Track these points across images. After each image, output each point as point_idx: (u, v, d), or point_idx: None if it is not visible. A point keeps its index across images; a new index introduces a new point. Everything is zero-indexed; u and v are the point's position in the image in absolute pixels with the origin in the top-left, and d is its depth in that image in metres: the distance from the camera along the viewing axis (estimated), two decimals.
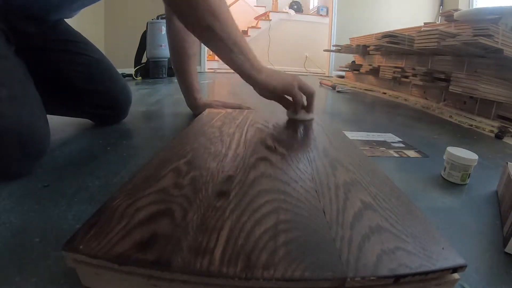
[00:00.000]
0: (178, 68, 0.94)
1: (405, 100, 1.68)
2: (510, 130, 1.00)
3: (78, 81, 0.75)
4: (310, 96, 0.68)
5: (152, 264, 0.21)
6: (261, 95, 0.67)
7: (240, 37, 0.60)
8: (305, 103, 0.69)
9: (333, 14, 3.56)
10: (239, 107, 0.91)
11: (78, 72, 0.75)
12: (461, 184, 0.55)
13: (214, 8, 0.55)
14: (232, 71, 0.63)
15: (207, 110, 0.77)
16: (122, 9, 2.69)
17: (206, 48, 3.21)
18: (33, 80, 0.56)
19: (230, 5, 4.33)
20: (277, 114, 0.74)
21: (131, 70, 2.22)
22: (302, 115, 0.70)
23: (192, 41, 0.90)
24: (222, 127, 0.60)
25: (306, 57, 4.63)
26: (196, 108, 0.97)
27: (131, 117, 0.91)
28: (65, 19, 0.79)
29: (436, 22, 2.59)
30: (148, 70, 2.26)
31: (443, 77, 1.43)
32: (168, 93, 1.60)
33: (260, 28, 4.51)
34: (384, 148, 0.75)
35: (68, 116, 0.83)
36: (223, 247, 0.23)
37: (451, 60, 1.42)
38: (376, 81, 2.25)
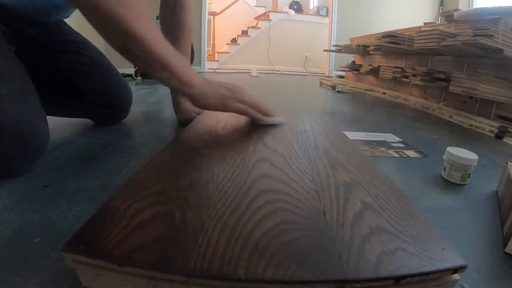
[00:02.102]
0: None
1: (405, 100, 1.68)
2: (510, 130, 1.00)
3: (79, 81, 0.75)
4: (254, 107, 0.62)
5: (152, 265, 0.21)
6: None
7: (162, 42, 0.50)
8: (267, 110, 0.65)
9: (333, 14, 3.56)
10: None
11: (79, 72, 0.75)
12: (461, 184, 0.55)
13: None
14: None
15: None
16: None
17: (206, 48, 3.20)
18: (34, 80, 0.56)
19: (230, 5, 4.32)
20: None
21: (131, 70, 2.22)
22: (268, 119, 0.64)
23: (183, 41, 0.85)
24: (222, 127, 0.60)
25: (306, 57, 4.63)
26: (178, 113, 0.91)
27: (131, 117, 0.91)
28: (65, 19, 0.79)
29: (436, 22, 2.59)
30: None
31: (443, 77, 1.43)
32: (168, 93, 1.59)
33: (260, 28, 4.51)
34: (384, 148, 0.75)
35: (69, 117, 0.83)
36: (223, 248, 0.23)
37: (451, 60, 1.42)
38: (376, 81, 2.25)
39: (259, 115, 0.63)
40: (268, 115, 0.64)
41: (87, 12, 0.43)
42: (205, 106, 0.57)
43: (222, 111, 0.59)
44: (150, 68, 0.50)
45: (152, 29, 0.48)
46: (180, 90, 0.54)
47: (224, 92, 0.58)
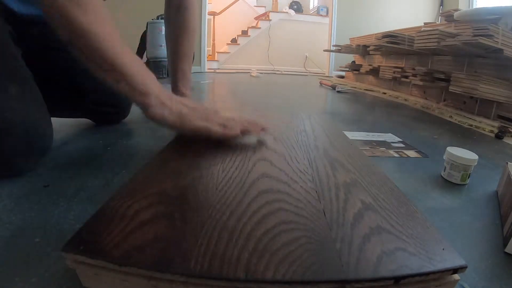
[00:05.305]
0: (168, 68, 0.93)
1: (405, 100, 1.68)
2: (510, 130, 1.00)
3: (80, 79, 0.75)
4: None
5: (152, 265, 0.21)
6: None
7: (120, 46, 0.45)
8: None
9: (333, 14, 3.56)
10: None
11: (81, 71, 0.75)
12: (461, 184, 0.55)
13: None
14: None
15: None
16: (122, 9, 2.69)
17: (206, 48, 3.20)
18: (36, 80, 0.57)
19: (230, 5, 4.32)
20: (278, 115, 0.73)
21: None
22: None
23: (186, 41, 0.87)
24: None
25: (306, 57, 4.63)
26: None
27: (131, 117, 0.91)
28: None
29: (436, 22, 2.59)
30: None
31: (443, 77, 1.43)
32: None
33: (260, 28, 4.51)
34: (384, 148, 0.75)
35: (69, 117, 0.83)
36: (223, 249, 0.23)
37: (451, 60, 1.42)
38: (376, 81, 2.25)
39: (232, 131, 0.49)
40: (249, 130, 0.51)
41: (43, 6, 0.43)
42: (162, 121, 0.48)
43: (181, 129, 0.49)
44: (99, 68, 0.44)
45: (102, 24, 0.44)
46: (132, 98, 0.46)
47: (183, 109, 0.49)
